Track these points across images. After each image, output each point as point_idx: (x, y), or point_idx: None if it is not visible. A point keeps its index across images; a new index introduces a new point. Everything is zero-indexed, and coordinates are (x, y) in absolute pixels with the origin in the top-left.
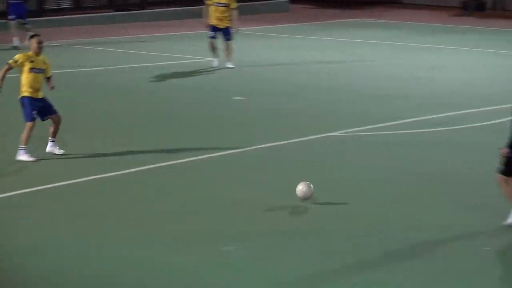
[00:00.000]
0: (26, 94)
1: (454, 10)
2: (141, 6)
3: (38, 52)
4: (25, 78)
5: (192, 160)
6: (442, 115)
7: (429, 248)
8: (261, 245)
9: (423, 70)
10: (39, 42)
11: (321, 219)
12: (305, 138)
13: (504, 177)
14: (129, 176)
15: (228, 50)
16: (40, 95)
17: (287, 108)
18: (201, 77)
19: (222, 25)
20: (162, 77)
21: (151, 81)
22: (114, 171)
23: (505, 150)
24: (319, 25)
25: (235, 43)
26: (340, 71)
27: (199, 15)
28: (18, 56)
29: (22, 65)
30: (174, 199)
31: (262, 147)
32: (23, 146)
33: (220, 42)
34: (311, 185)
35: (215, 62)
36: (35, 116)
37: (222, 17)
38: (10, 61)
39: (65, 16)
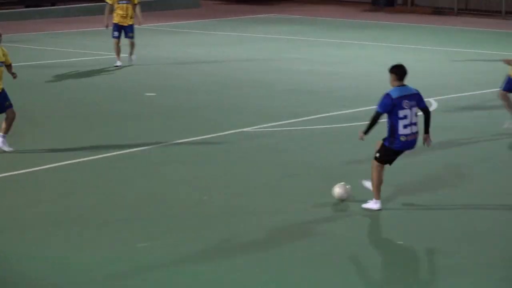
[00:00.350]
0: None
1: (364, 6)
2: (52, 2)
3: None
4: None
5: (107, 156)
6: (352, 110)
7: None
8: (174, 241)
9: (330, 65)
10: None
11: (227, 212)
12: (219, 134)
13: (376, 163)
14: (30, 175)
15: (131, 47)
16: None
17: (201, 104)
18: (112, 73)
19: (125, 22)
20: (71, 74)
21: (60, 78)
22: (15, 170)
23: (361, 134)
24: (230, 21)
25: (144, 40)
26: (251, 66)
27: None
28: None
29: None
30: (86, 196)
31: (177, 143)
32: None
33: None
34: (347, 186)
35: (118, 62)
36: None
37: (125, 14)
38: None
39: None
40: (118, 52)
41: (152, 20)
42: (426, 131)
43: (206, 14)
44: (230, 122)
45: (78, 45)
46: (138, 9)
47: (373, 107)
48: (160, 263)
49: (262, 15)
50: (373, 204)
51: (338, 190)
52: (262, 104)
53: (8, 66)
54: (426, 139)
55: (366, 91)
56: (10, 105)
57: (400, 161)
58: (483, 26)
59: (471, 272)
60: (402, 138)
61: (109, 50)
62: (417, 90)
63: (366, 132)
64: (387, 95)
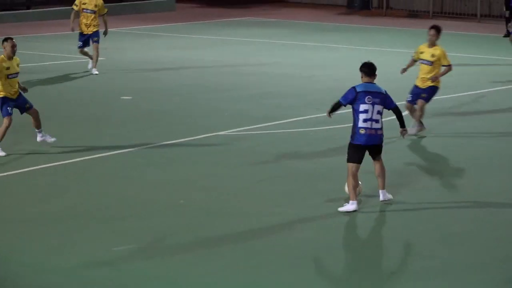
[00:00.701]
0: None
1: (339, 9)
2: (27, 6)
3: (11, 56)
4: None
5: (83, 160)
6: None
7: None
8: (150, 245)
9: (306, 68)
10: (14, 46)
11: (204, 215)
12: (194, 137)
13: (350, 165)
14: (5, 179)
15: (95, 54)
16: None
17: (176, 107)
18: (87, 77)
19: (89, 31)
20: (47, 77)
21: (36, 82)
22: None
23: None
24: (205, 24)
25: (119, 43)
26: (227, 69)
27: None
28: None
29: None
30: (63, 199)
31: (153, 146)
32: None
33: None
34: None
35: (90, 64)
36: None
37: (89, 23)
38: None
39: None
40: (86, 55)
41: (127, 23)
42: (402, 125)
43: (182, 17)
44: (205, 126)
45: (54, 49)
46: (105, 19)
47: (349, 111)
48: (137, 267)
49: (237, 19)
50: (349, 206)
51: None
52: (237, 107)
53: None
54: (402, 132)
55: (342, 93)
56: (31, 106)
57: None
58: (458, 29)
59: (448, 274)
60: (362, 131)
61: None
62: (385, 91)
63: (330, 112)
64: (352, 88)
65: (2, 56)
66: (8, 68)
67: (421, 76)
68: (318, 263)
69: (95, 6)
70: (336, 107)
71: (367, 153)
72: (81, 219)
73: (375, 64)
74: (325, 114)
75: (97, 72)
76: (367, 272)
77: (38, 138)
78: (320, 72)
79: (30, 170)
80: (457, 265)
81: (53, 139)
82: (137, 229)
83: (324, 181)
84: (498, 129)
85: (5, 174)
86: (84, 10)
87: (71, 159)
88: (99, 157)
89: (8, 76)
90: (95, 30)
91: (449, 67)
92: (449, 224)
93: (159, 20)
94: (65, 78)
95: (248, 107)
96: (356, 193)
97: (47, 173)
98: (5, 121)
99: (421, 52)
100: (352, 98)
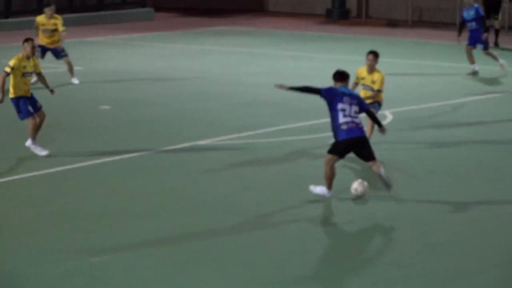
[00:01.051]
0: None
1: (318, 18)
2: (6, 15)
3: (30, 56)
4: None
5: (60, 170)
6: (309, 122)
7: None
8: (128, 255)
9: (285, 77)
10: (33, 47)
11: (183, 226)
12: (173, 147)
13: (330, 156)
14: None
15: (68, 66)
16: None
17: (155, 117)
18: (66, 86)
19: (51, 45)
20: None
21: None
22: None
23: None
24: (184, 34)
25: (97, 53)
26: (206, 79)
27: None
28: (18, 63)
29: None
30: (39, 210)
31: (131, 156)
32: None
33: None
34: (365, 183)
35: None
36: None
37: (51, 41)
38: (8, 70)
39: None
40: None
41: (105, 33)
42: (379, 125)
43: (160, 26)
44: (184, 135)
45: None
46: (63, 34)
47: (327, 121)
48: (113, 279)
49: (216, 28)
50: (323, 190)
51: (358, 187)
52: (216, 116)
53: (39, 75)
54: (381, 130)
55: (323, 103)
56: (41, 107)
57: (360, 173)
58: (437, 38)
59: (427, 283)
60: (343, 126)
61: (64, 62)
62: (358, 94)
63: (292, 88)
64: (332, 86)
65: (21, 55)
66: (25, 67)
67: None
68: (293, 273)
69: (54, 25)
70: (312, 90)
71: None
72: (59, 229)
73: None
74: (284, 85)
75: (77, 81)
76: (345, 282)
77: (28, 143)
78: (300, 81)
79: (9, 180)
80: (436, 274)
81: (44, 152)
82: (115, 239)
83: (305, 188)
84: (476, 138)
85: None
86: (44, 31)
87: (50, 169)
88: (78, 166)
89: (24, 75)
90: (56, 45)
91: (377, 92)
92: (430, 233)
93: (137, 29)
94: (42, 87)
95: (228, 116)
96: (332, 183)
97: (24, 183)
98: (31, 121)
99: (362, 78)
100: (333, 94)
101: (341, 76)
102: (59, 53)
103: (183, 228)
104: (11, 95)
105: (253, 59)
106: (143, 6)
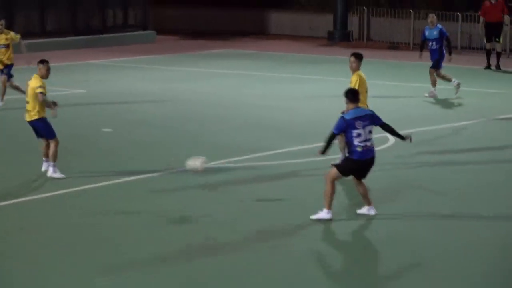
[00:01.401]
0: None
1: (320, 41)
2: None
3: (46, 77)
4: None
5: (65, 192)
6: (311, 145)
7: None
8: (135, 274)
9: (288, 100)
10: (49, 69)
11: (185, 251)
12: (174, 170)
13: (335, 172)
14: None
15: (4, 87)
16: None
17: (157, 139)
18: (69, 108)
19: (6, 63)
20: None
21: (18, 113)
22: None
23: (318, 153)
24: (186, 56)
25: (99, 75)
26: (208, 101)
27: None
28: (43, 83)
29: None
30: (33, 234)
31: (133, 179)
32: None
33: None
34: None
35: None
36: None
37: (6, 58)
38: (43, 90)
39: None
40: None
41: (108, 55)
42: (401, 137)
43: (162, 49)
44: (186, 157)
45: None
46: (22, 46)
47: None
48: None
49: (218, 50)
50: (324, 214)
51: (193, 163)
52: (219, 139)
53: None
54: (408, 138)
55: (325, 125)
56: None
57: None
58: None
59: None
60: (358, 148)
61: (67, 85)
62: (370, 111)
63: (323, 151)
64: (342, 117)
65: (38, 76)
66: (45, 88)
67: None
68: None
69: (6, 39)
70: (331, 138)
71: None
72: (56, 254)
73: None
74: (317, 153)
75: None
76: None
77: (46, 167)
78: (301, 104)
79: (7, 204)
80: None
81: (62, 175)
82: (123, 258)
83: (309, 210)
84: (477, 160)
85: None
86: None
87: (52, 192)
88: (81, 189)
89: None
90: (10, 63)
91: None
92: (421, 249)
93: (139, 52)
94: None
95: (231, 139)
96: (332, 202)
97: (28, 206)
98: (57, 140)
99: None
100: (344, 127)
101: (354, 96)
102: (9, 70)
103: (188, 248)
104: (37, 116)
105: (254, 81)
106: (145, 29)
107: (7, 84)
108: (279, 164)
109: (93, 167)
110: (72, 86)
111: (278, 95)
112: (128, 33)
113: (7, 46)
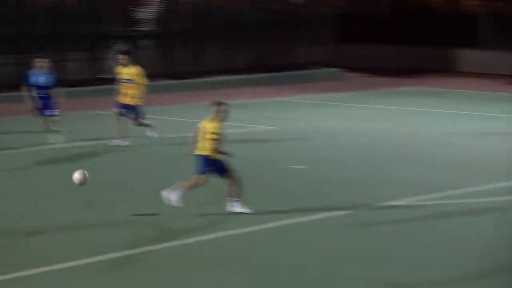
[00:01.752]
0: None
1: (506, 79)
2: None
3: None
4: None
5: (250, 231)
6: (498, 184)
7: None
8: None
9: (483, 137)
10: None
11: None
12: (374, 205)
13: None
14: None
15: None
16: None
17: (346, 175)
18: (262, 143)
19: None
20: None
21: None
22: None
23: None
24: (373, 94)
25: (288, 112)
26: (397, 139)
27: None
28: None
29: None
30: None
31: (336, 215)
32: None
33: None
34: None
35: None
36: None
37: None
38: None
39: None
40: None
41: (295, 92)
42: None
43: (350, 86)
44: (380, 194)
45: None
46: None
47: None
48: None
49: (403, 88)
50: None
51: (77, 176)
52: (410, 175)
53: None
54: None
55: None
56: None
57: None
58: None
59: None
60: None
61: (251, 121)
62: None
63: None
64: None
65: (216, 118)
66: None
67: None
68: None
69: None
70: None
71: None
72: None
73: None
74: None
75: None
76: None
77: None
78: (491, 142)
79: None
80: None
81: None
82: None
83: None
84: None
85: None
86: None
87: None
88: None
89: None
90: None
91: None
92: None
93: (327, 89)
94: (240, 146)
95: (422, 176)
96: None
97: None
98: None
99: None
100: None
101: None
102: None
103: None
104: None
105: (444, 119)
106: (331, 66)
107: (135, 123)
108: (474, 202)
109: (287, 202)
110: (264, 122)
111: (467, 132)
112: (316, 70)
113: (129, 81)
